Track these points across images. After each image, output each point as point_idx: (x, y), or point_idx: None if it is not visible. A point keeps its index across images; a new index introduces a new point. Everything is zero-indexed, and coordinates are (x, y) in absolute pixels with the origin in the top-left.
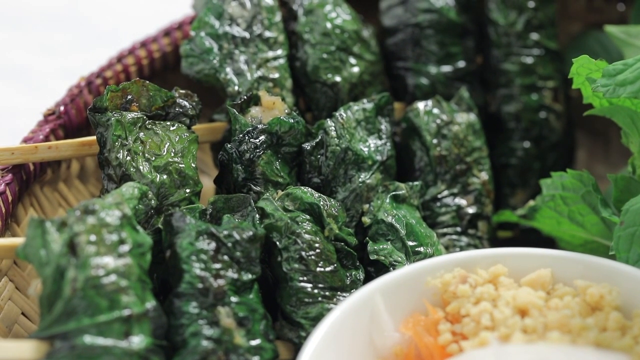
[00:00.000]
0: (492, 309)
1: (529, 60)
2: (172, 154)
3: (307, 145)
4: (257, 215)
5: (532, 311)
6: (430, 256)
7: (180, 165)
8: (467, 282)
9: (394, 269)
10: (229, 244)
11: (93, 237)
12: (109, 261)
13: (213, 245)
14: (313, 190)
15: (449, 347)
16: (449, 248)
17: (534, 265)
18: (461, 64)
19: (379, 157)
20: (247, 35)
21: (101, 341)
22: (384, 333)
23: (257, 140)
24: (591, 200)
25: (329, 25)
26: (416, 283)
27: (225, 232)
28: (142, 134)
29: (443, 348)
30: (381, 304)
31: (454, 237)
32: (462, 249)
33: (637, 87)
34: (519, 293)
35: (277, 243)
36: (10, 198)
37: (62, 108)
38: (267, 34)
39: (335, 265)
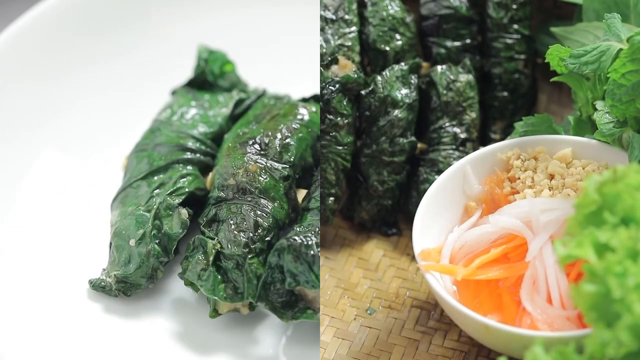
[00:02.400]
0: (532, 174)
1: (510, 41)
2: None
3: (363, 92)
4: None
5: (557, 176)
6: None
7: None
8: (520, 157)
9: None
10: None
11: None
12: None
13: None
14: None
15: (509, 197)
16: (447, 158)
17: (562, 146)
18: (467, 41)
19: (407, 100)
20: (334, 17)
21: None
22: (472, 186)
23: (334, 87)
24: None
25: (385, 13)
26: (491, 157)
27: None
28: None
29: (506, 196)
30: (469, 169)
31: (450, 151)
32: (455, 159)
33: (596, 66)
34: (550, 164)
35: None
36: None
37: None
38: (346, 17)
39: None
